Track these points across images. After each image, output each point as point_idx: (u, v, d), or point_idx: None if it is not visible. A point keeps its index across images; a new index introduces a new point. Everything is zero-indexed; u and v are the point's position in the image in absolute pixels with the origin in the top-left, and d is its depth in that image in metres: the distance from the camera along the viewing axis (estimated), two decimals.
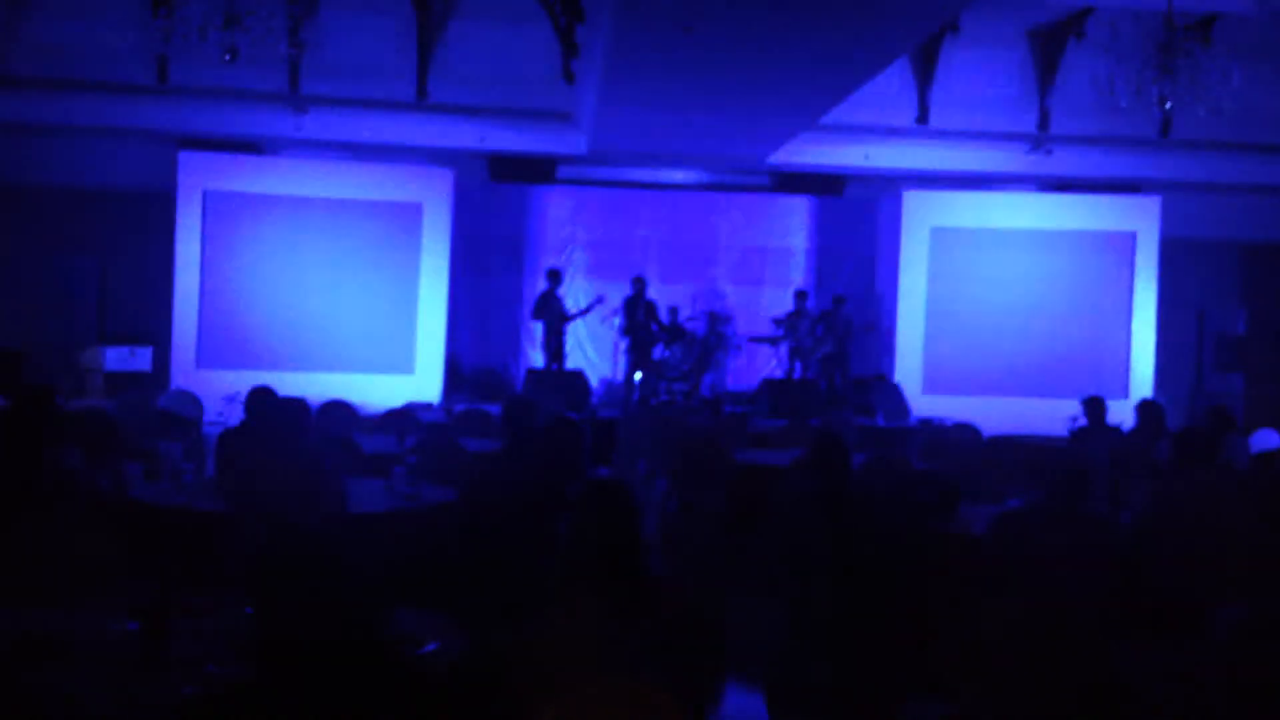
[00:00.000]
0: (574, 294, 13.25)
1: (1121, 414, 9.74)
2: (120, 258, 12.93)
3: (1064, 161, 12.76)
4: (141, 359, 11.68)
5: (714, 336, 13.22)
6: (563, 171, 13.68)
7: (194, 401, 9.98)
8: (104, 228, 12.93)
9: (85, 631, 3.00)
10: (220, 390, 10.46)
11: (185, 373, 12.03)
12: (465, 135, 12.45)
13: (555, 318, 12.61)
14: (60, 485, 4.66)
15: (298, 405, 5.08)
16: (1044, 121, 12.52)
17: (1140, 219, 13.35)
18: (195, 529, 4.90)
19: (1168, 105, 10.59)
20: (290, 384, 6.88)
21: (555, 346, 12.62)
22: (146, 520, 5.02)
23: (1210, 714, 2.72)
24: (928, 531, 5.44)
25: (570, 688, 2.45)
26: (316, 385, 10.07)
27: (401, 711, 2.07)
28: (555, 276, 12.79)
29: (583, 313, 12.83)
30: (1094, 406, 8.21)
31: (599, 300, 12.79)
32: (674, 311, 12.94)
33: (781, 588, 5.10)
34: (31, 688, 2.46)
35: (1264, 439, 7.71)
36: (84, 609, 3.26)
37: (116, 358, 11.43)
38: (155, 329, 12.26)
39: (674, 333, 12.67)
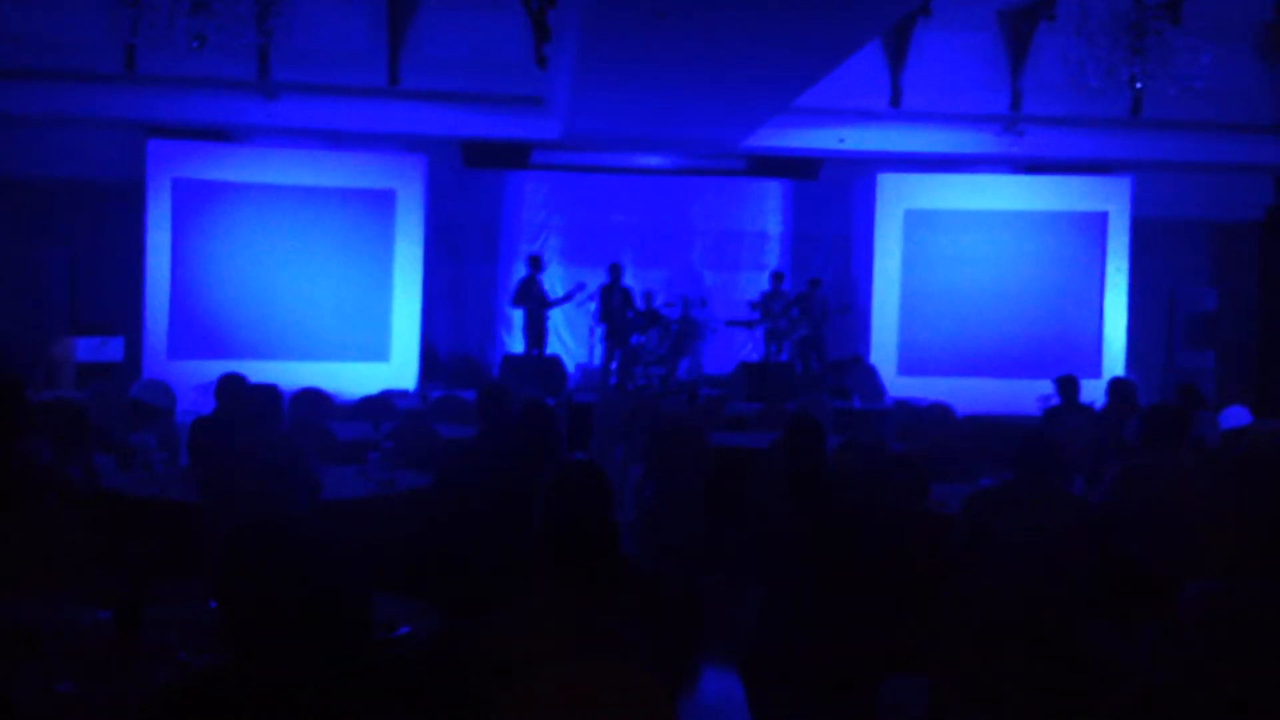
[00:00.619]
0: (550, 280, 13.22)
1: (1094, 393, 9.83)
2: (90, 248, 12.81)
3: (1036, 142, 12.82)
4: (113, 349, 11.58)
5: (689, 321, 13.22)
6: (537, 157, 13.63)
7: (166, 391, 9.90)
8: (74, 218, 12.80)
9: (58, 622, 2.98)
10: (193, 380, 10.40)
11: (157, 362, 11.94)
12: (438, 121, 12.38)
13: (537, 304, 12.58)
14: (31, 477, 4.62)
15: (269, 392, 5.06)
16: (1016, 102, 12.56)
17: (1112, 199, 13.44)
18: (168, 519, 4.88)
19: (1138, 85, 10.66)
20: (264, 373, 6.82)
21: (536, 333, 12.60)
22: (119, 511, 4.99)
23: (1180, 690, 2.75)
24: (902, 511, 5.48)
25: (545, 669, 2.46)
26: (291, 374, 10.00)
27: (375, 696, 2.07)
28: (536, 263, 12.75)
29: (564, 299, 12.82)
30: (1067, 385, 8.26)
31: (580, 287, 12.77)
32: (649, 297, 12.94)
33: (758, 570, 5.13)
34: (4, 678, 2.45)
35: (1234, 416, 7.80)
36: (56, 600, 3.24)
37: (88, 348, 11.33)
38: (126, 319, 12.16)
39: (649, 318, 12.67)
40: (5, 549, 3.89)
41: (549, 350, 12.87)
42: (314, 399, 8.70)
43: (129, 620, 2.88)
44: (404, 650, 2.79)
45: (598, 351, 12.95)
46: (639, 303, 12.80)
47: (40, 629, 2.89)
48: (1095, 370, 12.82)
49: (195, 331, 12.18)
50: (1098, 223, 13.44)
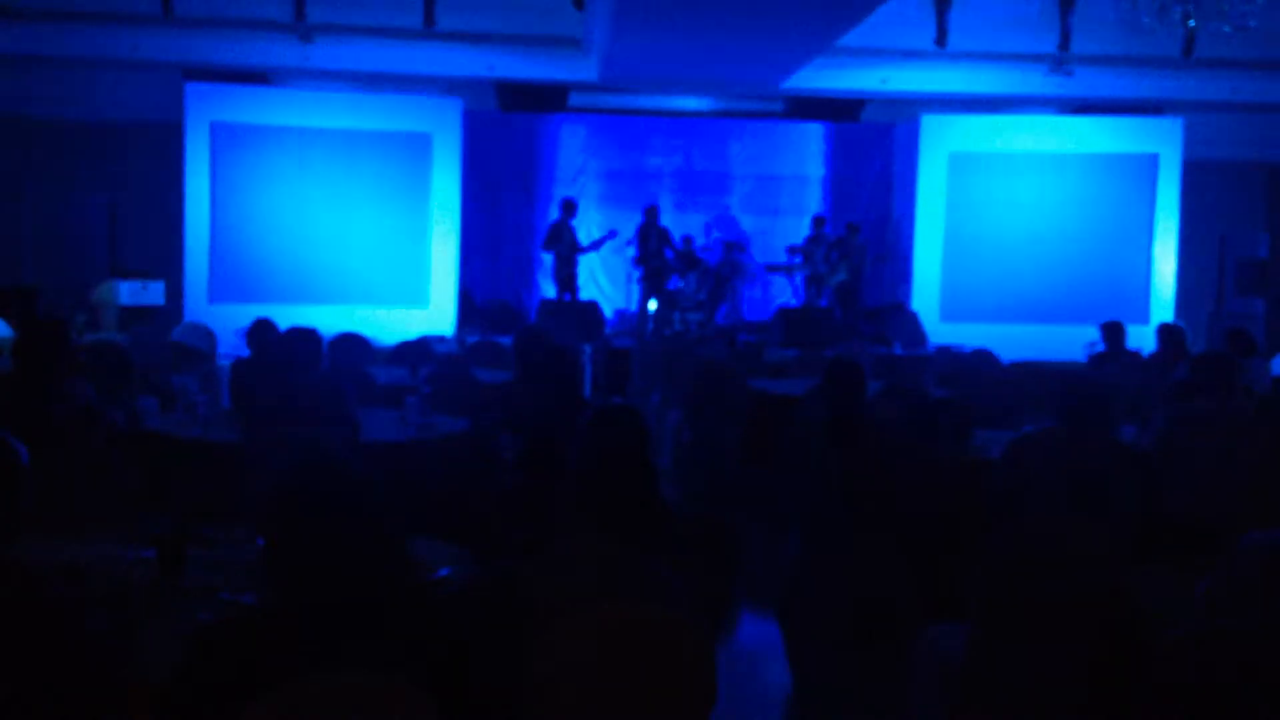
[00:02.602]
0: (587, 224, 13.13)
1: (1142, 339, 9.66)
2: (130, 191, 12.88)
3: (1085, 83, 12.50)
4: (154, 293, 11.67)
5: (728, 266, 13.11)
6: (574, 100, 13.49)
7: (207, 334, 10.00)
8: (113, 162, 12.86)
9: (103, 560, 3.02)
10: (233, 323, 10.45)
11: (198, 306, 12.04)
12: (473, 63, 12.26)
13: (567, 248, 12.52)
14: (75, 418, 4.67)
15: (308, 335, 5.07)
16: (1065, 41, 12.21)
17: (1162, 141, 13.12)
18: (210, 460, 4.92)
19: (1191, 23, 10.33)
20: (304, 317, 6.84)
21: (566, 277, 12.54)
22: (162, 452, 5.04)
23: (1234, 637, 2.70)
24: (942, 457, 5.42)
25: (583, 612, 2.44)
26: (330, 318, 10.05)
27: (416, 636, 2.07)
28: (570, 207, 12.66)
29: (595, 245, 12.74)
30: (1113, 331, 8.14)
31: (612, 234, 12.69)
32: (688, 241, 12.83)
33: (796, 516, 5.11)
34: (50, 614, 2.47)
35: None
36: (100, 539, 3.28)
37: (129, 292, 11.42)
38: (167, 263, 12.24)
39: (688, 262, 12.57)
40: (50, 489, 3.94)
41: (583, 295, 12.82)
42: (353, 343, 8.73)
43: (172, 560, 2.90)
44: (443, 592, 2.79)
45: (635, 295, 12.89)
46: (678, 244, 12.69)
47: (85, 567, 2.92)
48: (1144, 316, 12.61)
49: (235, 275, 12.25)
50: (1148, 165, 13.13)
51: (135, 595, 2.80)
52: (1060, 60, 12.29)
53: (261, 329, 6.05)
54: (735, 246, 13.18)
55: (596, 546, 2.63)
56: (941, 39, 12.19)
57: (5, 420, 3.95)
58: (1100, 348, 8.27)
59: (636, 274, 12.70)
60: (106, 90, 12.64)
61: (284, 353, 5.03)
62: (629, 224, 12.96)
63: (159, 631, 2.58)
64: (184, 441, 5.06)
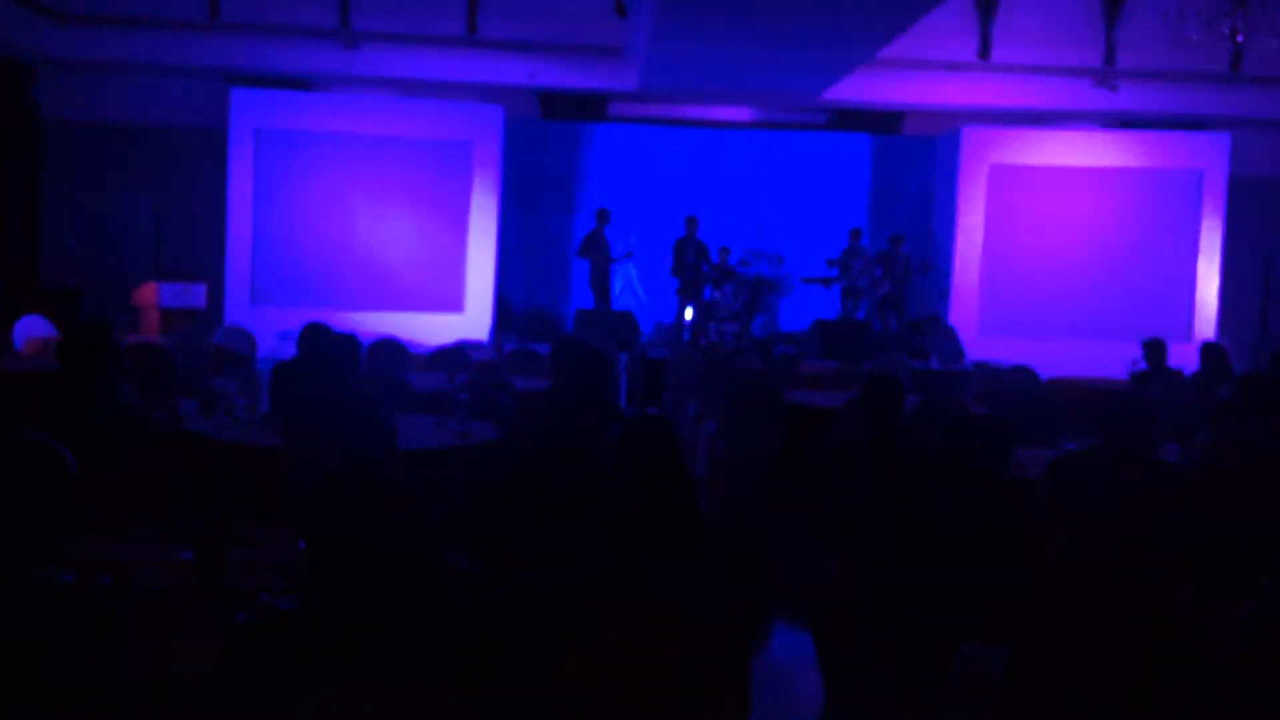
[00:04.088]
0: (623, 233, 13.16)
1: (1184, 358, 9.53)
2: (174, 195, 13.05)
3: (1129, 97, 12.38)
4: (196, 295, 11.81)
5: (765, 278, 13.08)
6: (614, 109, 13.53)
7: (248, 338, 10.09)
8: (158, 165, 13.04)
9: (143, 559, 3.04)
10: (274, 327, 10.57)
11: (239, 309, 12.17)
12: (515, 71, 12.34)
13: (602, 257, 12.55)
14: (117, 418, 4.72)
15: (349, 341, 5.10)
16: (1110, 55, 12.13)
17: (1208, 156, 12.96)
18: (250, 463, 4.95)
19: (1239, 39, 10.21)
20: (343, 322, 6.91)
21: (601, 286, 12.57)
22: (202, 454, 5.08)
23: (1270, 662, 2.65)
24: (981, 474, 5.36)
25: (618, 620, 2.44)
26: (368, 323, 10.13)
27: (453, 640, 2.07)
28: (604, 216, 12.70)
29: (620, 259, 12.83)
30: (1155, 349, 8.04)
31: (625, 255, 12.81)
32: (725, 252, 12.82)
33: (832, 530, 5.07)
34: (92, 613, 2.50)
35: None
36: (141, 539, 3.31)
37: (171, 294, 11.56)
38: (209, 266, 12.39)
39: (724, 273, 12.55)
40: (92, 489, 3.98)
41: (621, 304, 12.84)
42: (391, 350, 8.77)
43: (212, 561, 2.92)
44: (479, 598, 2.79)
45: (671, 306, 12.89)
46: (714, 258, 12.69)
47: (126, 566, 2.95)
48: (1186, 334, 12.46)
49: (276, 279, 12.38)
50: (1193, 181, 12.98)
51: (175, 595, 2.83)
52: (1105, 74, 12.18)
53: (314, 332, 6.08)
54: (772, 258, 13.14)
55: (632, 556, 2.63)
56: (985, 51, 12.14)
57: (48, 419, 4.00)
58: (1142, 366, 8.17)
59: (674, 285, 12.71)
60: (152, 95, 12.83)
61: (324, 358, 5.06)
62: (666, 234, 12.97)
63: (198, 632, 2.60)
64: (224, 444, 5.10)
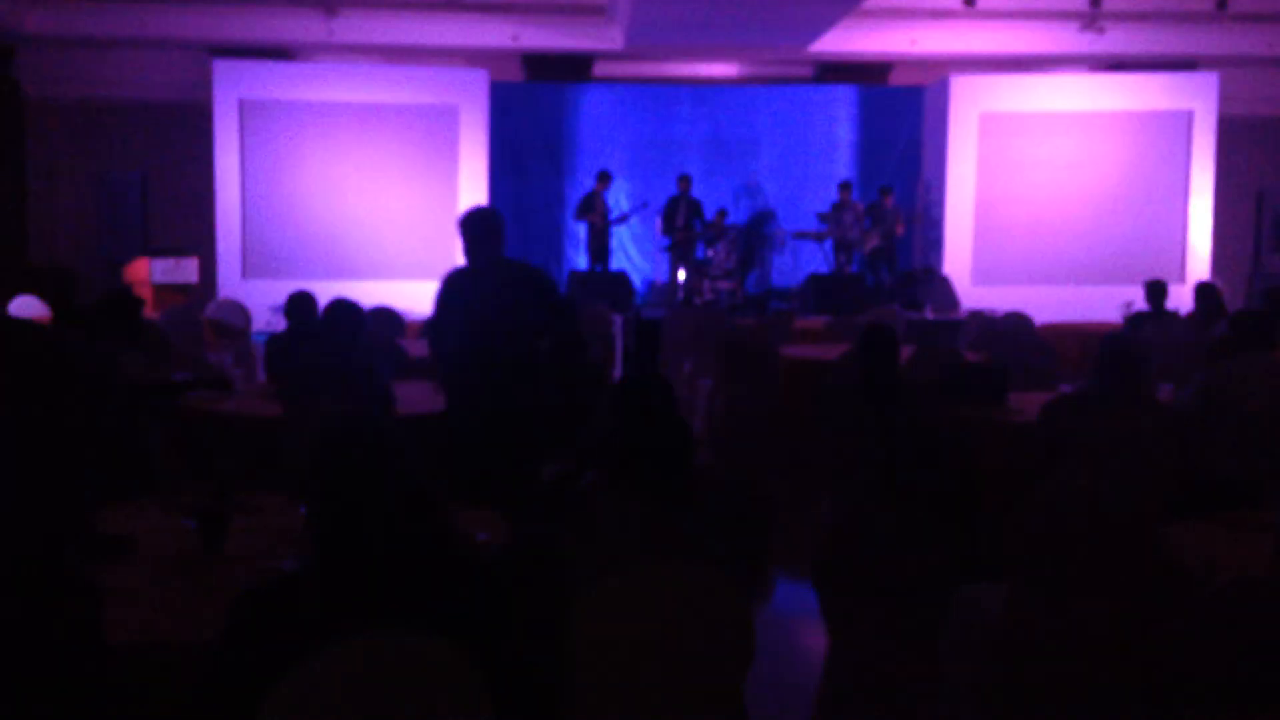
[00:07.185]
0: (614, 194, 13.10)
1: (1179, 298, 9.54)
2: (162, 170, 12.98)
3: (1117, 39, 12.30)
4: (187, 270, 11.77)
5: (758, 234, 13.04)
6: (600, 69, 13.43)
7: (241, 311, 10.08)
8: (144, 140, 12.96)
9: (146, 529, 3.07)
10: (267, 299, 10.54)
11: (232, 283, 12.14)
12: (498, 34, 12.23)
13: (601, 219, 12.51)
14: (130, 390, 4.72)
15: (349, 306, 5.12)
16: None
17: (1197, 97, 12.90)
18: (248, 433, 4.97)
19: None
20: (336, 291, 6.87)
21: (599, 248, 12.52)
22: (201, 425, 5.10)
23: (1266, 600, 2.68)
24: (976, 418, 5.39)
25: (621, 573, 2.46)
26: (361, 292, 10.03)
27: (458, 599, 2.09)
28: (605, 178, 12.61)
29: (625, 217, 12.74)
30: (1156, 290, 8.08)
31: (641, 205, 12.65)
32: (722, 213, 12.73)
33: (831, 479, 5.10)
34: (96, 582, 2.52)
35: None
36: (144, 508, 3.33)
37: (163, 270, 11.53)
38: (200, 240, 12.34)
39: (717, 231, 12.52)
40: (97, 462, 3.99)
41: (614, 266, 12.81)
42: (386, 317, 8.79)
43: (214, 530, 2.94)
44: (483, 555, 2.81)
45: (664, 266, 12.86)
46: (710, 216, 12.63)
47: (129, 535, 2.97)
48: (1180, 275, 12.47)
49: (268, 252, 12.33)
50: (1182, 122, 12.93)
51: (178, 564, 2.85)
52: (1092, 17, 12.09)
53: (300, 301, 6.11)
54: (764, 214, 13.09)
55: (633, 507, 2.65)
56: None
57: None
58: (1136, 307, 8.20)
59: (665, 244, 12.67)
60: (134, 70, 12.71)
61: (327, 324, 5.07)
62: (657, 193, 12.91)
63: (201, 597, 2.63)
64: (221, 415, 5.12)
